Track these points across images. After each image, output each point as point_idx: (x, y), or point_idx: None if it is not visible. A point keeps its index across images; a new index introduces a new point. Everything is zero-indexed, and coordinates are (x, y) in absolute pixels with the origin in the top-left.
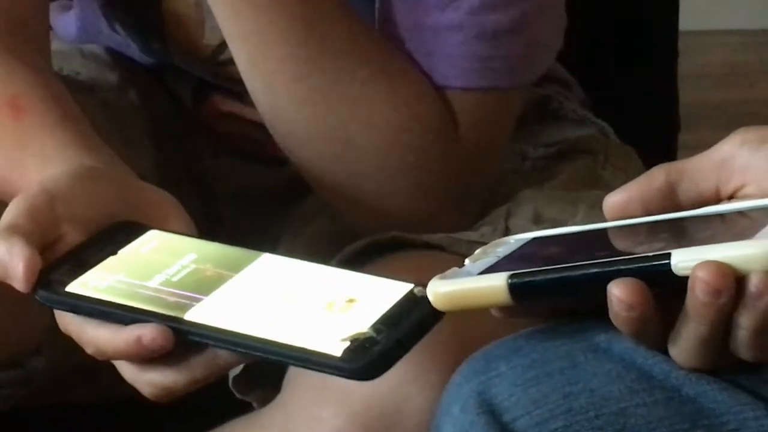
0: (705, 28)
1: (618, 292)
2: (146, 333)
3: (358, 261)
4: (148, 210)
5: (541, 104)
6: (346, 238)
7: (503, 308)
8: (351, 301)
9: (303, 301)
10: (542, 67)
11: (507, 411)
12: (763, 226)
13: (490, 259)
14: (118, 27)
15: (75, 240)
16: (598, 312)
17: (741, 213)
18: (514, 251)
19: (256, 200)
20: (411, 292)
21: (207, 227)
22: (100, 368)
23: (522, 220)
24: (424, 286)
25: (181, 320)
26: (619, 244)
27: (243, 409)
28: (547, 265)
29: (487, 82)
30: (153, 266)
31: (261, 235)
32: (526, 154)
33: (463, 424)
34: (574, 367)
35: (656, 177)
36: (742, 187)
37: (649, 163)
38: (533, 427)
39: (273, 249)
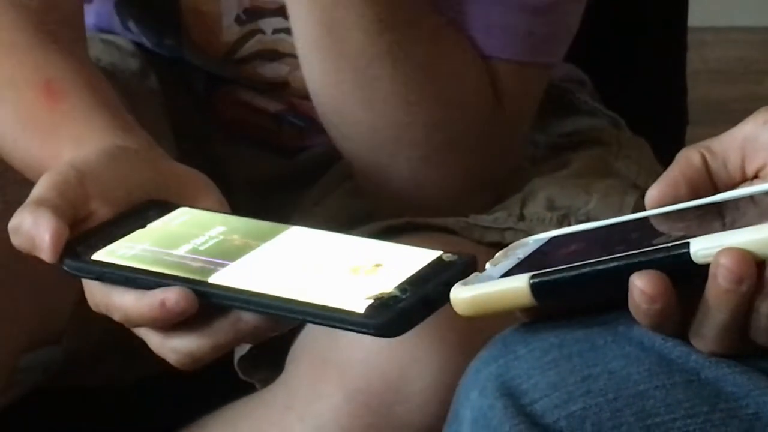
0: (711, 25)
1: (641, 284)
2: (170, 296)
3: None
4: (181, 189)
5: (553, 95)
6: (353, 221)
7: (527, 310)
8: (377, 265)
9: (329, 266)
10: (566, 49)
11: (525, 394)
12: None
13: (511, 261)
14: (131, 24)
15: (105, 218)
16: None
17: (764, 194)
18: (534, 252)
19: (266, 187)
20: (440, 258)
21: None
22: (107, 355)
23: (536, 207)
24: (455, 253)
25: (204, 283)
26: (638, 236)
27: (246, 391)
28: (568, 263)
29: (527, 56)
30: (181, 237)
31: (271, 220)
32: (537, 143)
33: (481, 408)
34: (592, 349)
35: (692, 157)
36: (764, 166)
37: (659, 157)
38: (552, 410)
39: None
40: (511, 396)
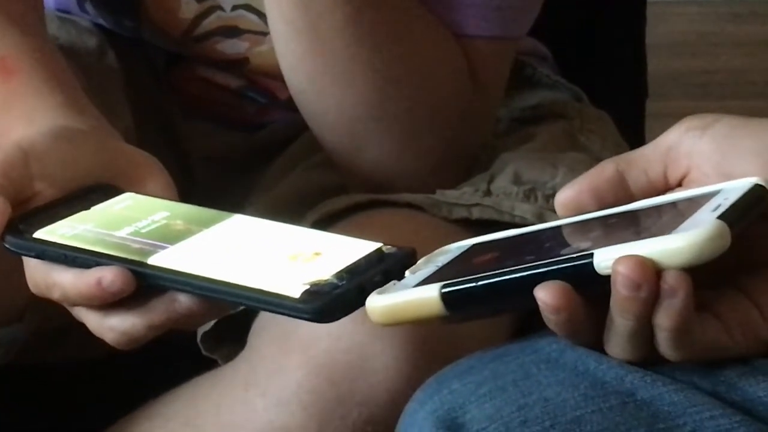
0: None
1: (543, 296)
2: (106, 275)
3: (333, 219)
4: (129, 172)
5: (515, 69)
6: (315, 196)
7: (443, 319)
8: (317, 254)
9: (268, 252)
10: (533, 20)
11: (463, 427)
12: (687, 217)
13: (430, 269)
14: (87, 5)
15: (49, 199)
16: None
17: (676, 202)
18: (453, 259)
19: (227, 163)
20: (379, 249)
21: (180, 187)
22: (70, 331)
23: (503, 182)
24: (395, 245)
25: (142, 264)
26: (549, 245)
27: (210, 368)
28: (481, 272)
29: (499, 31)
30: (123, 220)
31: (231, 196)
32: (499, 117)
33: None
34: (527, 378)
35: (605, 169)
36: (687, 172)
37: (620, 131)
38: None
39: (241, 209)
40: (449, 429)
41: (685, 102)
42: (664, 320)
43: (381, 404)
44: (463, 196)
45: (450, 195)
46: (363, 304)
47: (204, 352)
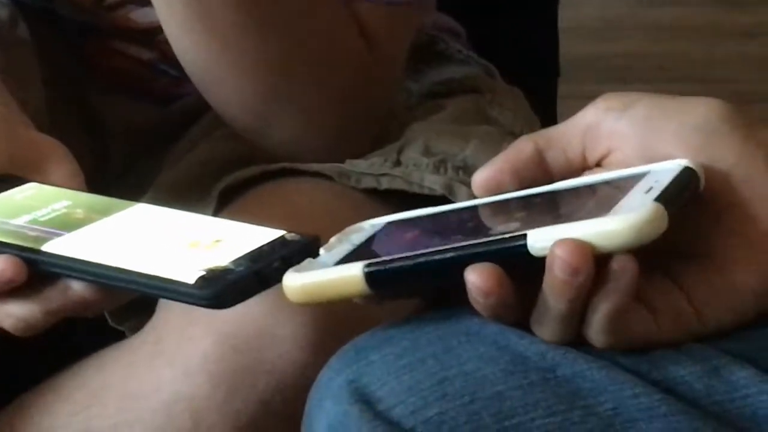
0: None
1: (474, 278)
2: None
3: (240, 189)
4: (35, 161)
5: (426, 44)
6: (217, 171)
7: (364, 297)
8: (217, 241)
9: (167, 240)
10: None
11: (381, 400)
12: (619, 199)
13: (346, 247)
14: None
15: None
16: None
17: (604, 183)
18: (369, 238)
19: (142, 137)
20: (282, 237)
21: (95, 163)
22: None
23: (413, 153)
24: (298, 233)
25: (35, 251)
26: (475, 225)
27: (118, 339)
28: (404, 252)
29: None
30: (23, 208)
31: (147, 170)
32: (411, 91)
33: (336, 415)
34: (447, 351)
35: (524, 147)
36: (608, 153)
37: (532, 108)
38: (408, 416)
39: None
40: (367, 402)
41: (596, 86)
42: (604, 303)
43: (289, 373)
44: (372, 166)
45: (359, 164)
46: (261, 290)
47: (111, 323)
